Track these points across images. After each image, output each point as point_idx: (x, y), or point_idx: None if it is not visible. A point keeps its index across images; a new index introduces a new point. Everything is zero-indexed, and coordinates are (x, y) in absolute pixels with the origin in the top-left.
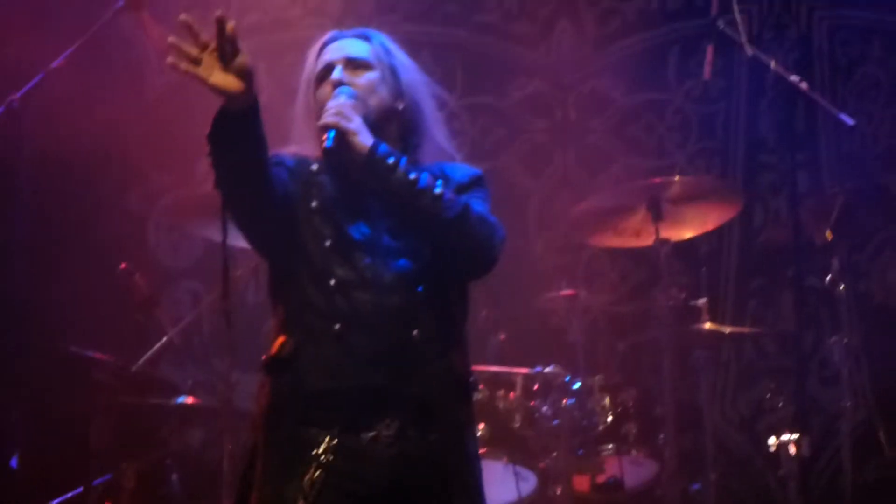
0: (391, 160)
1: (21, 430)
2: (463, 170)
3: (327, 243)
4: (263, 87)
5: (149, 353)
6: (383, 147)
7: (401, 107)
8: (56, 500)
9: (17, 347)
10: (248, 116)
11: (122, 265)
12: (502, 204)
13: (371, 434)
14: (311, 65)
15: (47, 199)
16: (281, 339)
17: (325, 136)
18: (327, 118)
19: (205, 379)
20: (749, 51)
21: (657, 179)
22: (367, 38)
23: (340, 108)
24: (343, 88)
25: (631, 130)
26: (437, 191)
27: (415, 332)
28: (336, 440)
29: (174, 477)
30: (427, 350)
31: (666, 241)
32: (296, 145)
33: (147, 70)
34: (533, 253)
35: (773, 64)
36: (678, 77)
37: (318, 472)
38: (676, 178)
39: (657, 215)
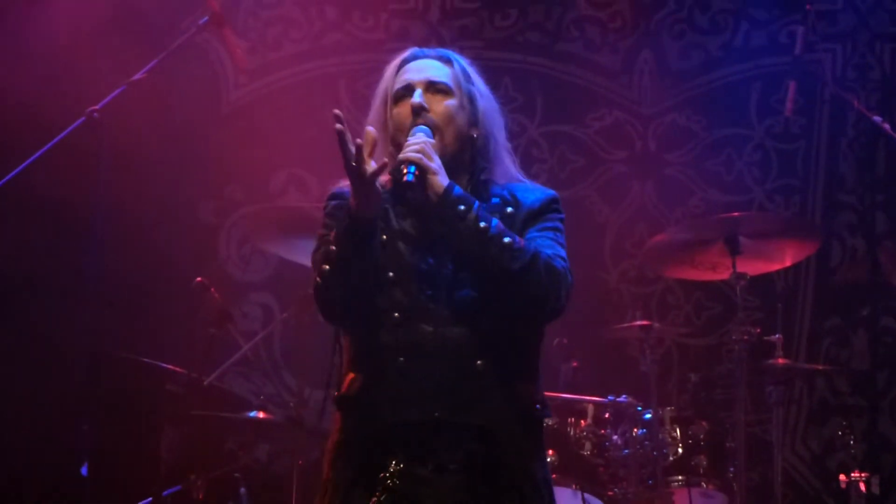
0: (462, 207)
1: (92, 438)
2: (535, 193)
3: (391, 275)
4: (342, 106)
5: (222, 367)
6: (458, 190)
7: (475, 135)
8: None
9: (91, 357)
10: (376, 225)
11: (198, 279)
12: (578, 233)
13: (436, 462)
14: (390, 81)
15: (123, 211)
16: (350, 377)
17: (405, 170)
18: (410, 154)
19: (275, 393)
20: (832, 89)
21: (735, 213)
22: (448, 61)
23: (423, 147)
24: (422, 128)
25: (710, 164)
26: (507, 240)
27: (478, 362)
28: (402, 465)
29: (242, 490)
30: (491, 380)
31: (742, 276)
32: None
33: (224, 85)
34: (608, 282)
35: (855, 103)
36: (759, 113)
37: (384, 496)
38: None
39: (734, 249)
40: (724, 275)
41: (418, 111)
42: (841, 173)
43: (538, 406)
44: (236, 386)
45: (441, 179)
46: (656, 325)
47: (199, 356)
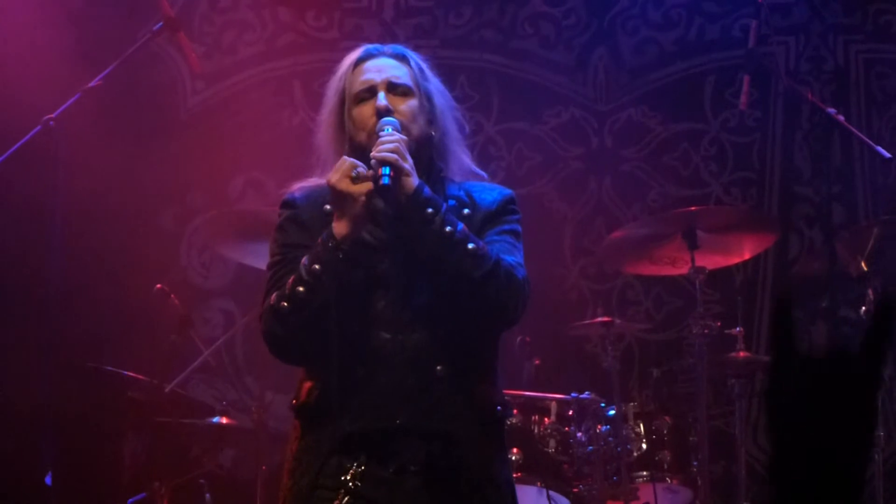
0: (430, 210)
1: (56, 447)
2: (492, 193)
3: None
4: (297, 108)
5: (184, 374)
6: (427, 191)
7: (433, 133)
8: None
9: (52, 366)
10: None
11: (158, 286)
12: (537, 231)
13: (398, 463)
14: (346, 80)
15: (81, 219)
16: (307, 385)
17: (380, 172)
18: (384, 154)
19: (238, 399)
20: (785, 82)
21: (693, 208)
22: (403, 59)
23: (398, 146)
24: (390, 120)
25: (667, 159)
26: (471, 246)
27: (438, 368)
28: (363, 467)
29: (207, 496)
30: (451, 385)
31: (701, 270)
32: (319, 165)
33: (181, 90)
34: (568, 280)
35: (809, 95)
36: (714, 107)
37: (346, 498)
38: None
39: (693, 244)
40: (683, 269)
41: (385, 114)
42: (797, 166)
43: (499, 407)
44: (199, 392)
45: (413, 180)
46: (617, 321)
47: (160, 363)
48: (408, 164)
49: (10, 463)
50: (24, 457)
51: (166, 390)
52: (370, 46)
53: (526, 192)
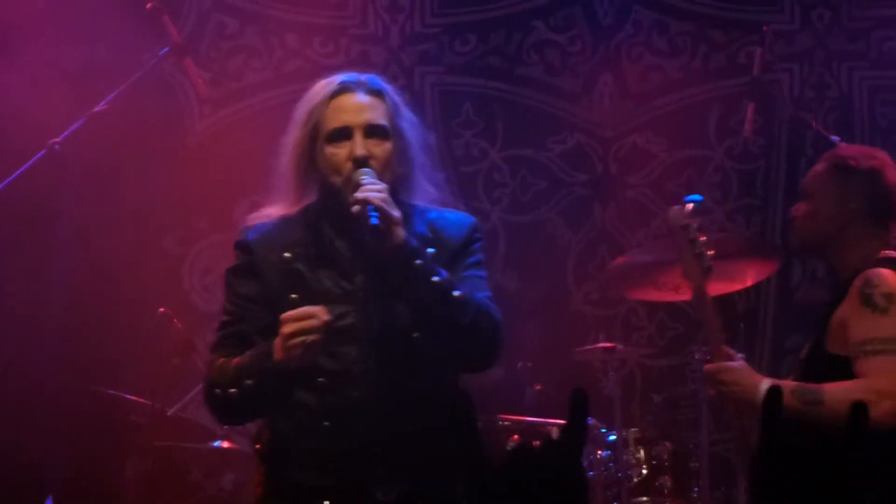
0: (419, 261)
1: (57, 471)
2: (456, 225)
3: None
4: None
5: (186, 398)
6: (413, 241)
7: (403, 171)
8: None
9: (54, 389)
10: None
11: (161, 309)
12: (541, 256)
13: (371, 500)
14: (320, 114)
15: (85, 242)
16: (271, 433)
17: (368, 213)
18: (373, 198)
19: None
20: (790, 110)
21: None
22: (380, 95)
23: (387, 196)
24: (368, 171)
25: (671, 186)
26: (456, 294)
27: (409, 426)
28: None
29: None
30: (422, 442)
31: None
32: (281, 193)
33: (187, 115)
34: (571, 305)
35: (813, 123)
36: (719, 134)
37: None
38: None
39: None
40: (686, 295)
41: (362, 163)
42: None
43: (466, 440)
44: (200, 416)
45: (401, 230)
46: (619, 346)
47: (162, 387)
48: (396, 213)
49: (11, 486)
50: (25, 480)
51: (168, 414)
52: (346, 78)
53: (530, 218)
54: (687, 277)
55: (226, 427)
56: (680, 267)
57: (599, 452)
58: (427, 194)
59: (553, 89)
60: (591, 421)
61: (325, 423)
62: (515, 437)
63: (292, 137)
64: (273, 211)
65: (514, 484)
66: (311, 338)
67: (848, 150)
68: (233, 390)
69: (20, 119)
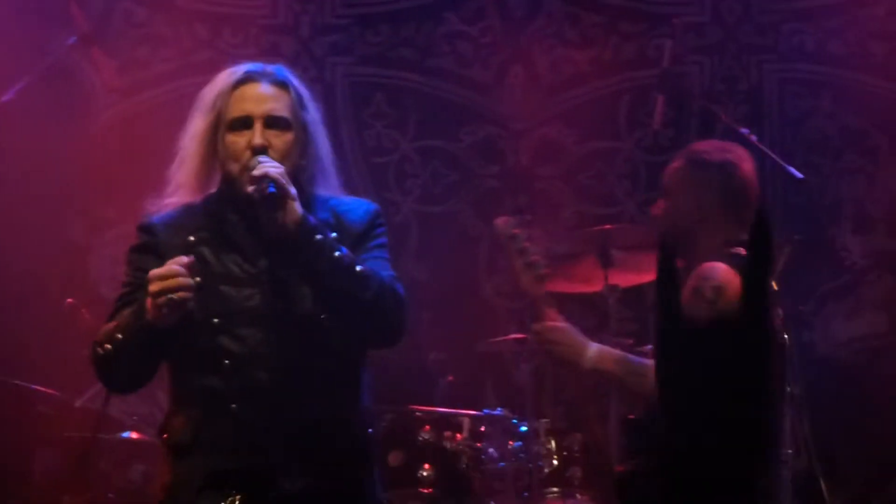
0: (319, 236)
1: None
2: (358, 211)
3: (216, 321)
4: None
5: (94, 389)
6: (312, 219)
7: (304, 162)
8: None
9: None
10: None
11: (69, 300)
12: (453, 248)
13: (273, 498)
14: (223, 101)
15: None
16: (179, 420)
17: (265, 185)
18: (271, 171)
19: (149, 413)
20: (699, 102)
21: (607, 226)
22: (284, 87)
23: (283, 172)
24: (265, 158)
25: (581, 178)
26: (359, 269)
27: (314, 408)
28: (242, 494)
29: None
30: (327, 422)
31: (614, 288)
32: (182, 181)
33: (94, 104)
34: (482, 297)
35: (722, 115)
36: (629, 126)
37: None
38: None
39: (606, 262)
40: (596, 287)
41: (260, 152)
42: None
43: (370, 430)
44: (109, 407)
45: (298, 207)
46: (531, 338)
47: (71, 378)
48: (293, 190)
49: None
50: None
51: (76, 405)
52: (251, 68)
53: (442, 209)
54: (524, 287)
55: (135, 418)
56: (517, 277)
57: (511, 443)
58: (330, 186)
59: (464, 80)
60: (502, 412)
61: (233, 406)
62: (427, 427)
63: (195, 126)
64: (176, 199)
65: None
66: (176, 295)
67: (703, 145)
68: (107, 346)
69: None
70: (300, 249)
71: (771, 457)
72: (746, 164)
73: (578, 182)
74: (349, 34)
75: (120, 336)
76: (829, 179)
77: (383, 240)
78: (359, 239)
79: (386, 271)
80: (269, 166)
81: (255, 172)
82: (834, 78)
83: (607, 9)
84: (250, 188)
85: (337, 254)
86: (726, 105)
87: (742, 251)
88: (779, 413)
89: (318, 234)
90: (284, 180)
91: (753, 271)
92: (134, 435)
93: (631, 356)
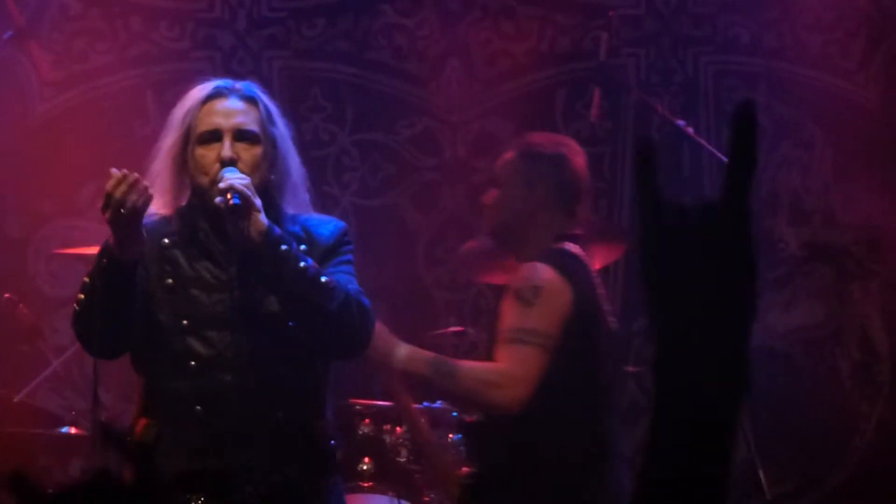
0: (284, 247)
1: None
2: (327, 227)
3: (185, 322)
4: (149, 118)
5: (32, 384)
6: (277, 230)
7: (273, 177)
8: None
9: None
10: (136, 267)
11: (6, 294)
12: (392, 241)
13: (240, 496)
14: (193, 116)
15: None
16: (143, 422)
17: (230, 196)
18: (236, 183)
19: (88, 409)
20: (635, 94)
21: None
22: (253, 102)
23: (249, 184)
24: (232, 170)
25: None
26: (324, 279)
27: (279, 413)
28: (205, 497)
29: None
30: (290, 429)
31: None
32: (154, 196)
33: (30, 97)
34: (422, 290)
35: (659, 107)
36: (565, 118)
37: None
38: None
39: None
40: None
41: (229, 164)
42: None
43: (332, 441)
44: (48, 402)
45: (263, 218)
46: (470, 330)
47: (9, 373)
48: (258, 201)
49: None
50: None
51: (15, 400)
52: (221, 84)
53: (380, 202)
54: None
55: (73, 413)
56: None
57: (451, 436)
58: (300, 203)
59: (401, 73)
60: (442, 404)
61: (198, 408)
62: (367, 420)
63: (167, 141)
64: (150, 210)
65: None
66: (134, 194)
67: (536, 137)
68: (80, 295)
69: None
70: (265, 260)
71: (605, 456)
72: (578, 157)
73: None
74: (285, 27)
75: (87, 280)
76: (764, 171)
77: (349, 256)
78: (326, 253)
79: (352, 285)
80: (235, 178)
81: (221, 185)
82: (769, 70)
83: (543, 1)
84: (217, 199)
85: (302, 264)
86: (662, 97)
87: (572, 247)
88: (612, 411)
89: (283, 244)
90: (250, 192)
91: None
92: (73, 430)
93: (443, 358)
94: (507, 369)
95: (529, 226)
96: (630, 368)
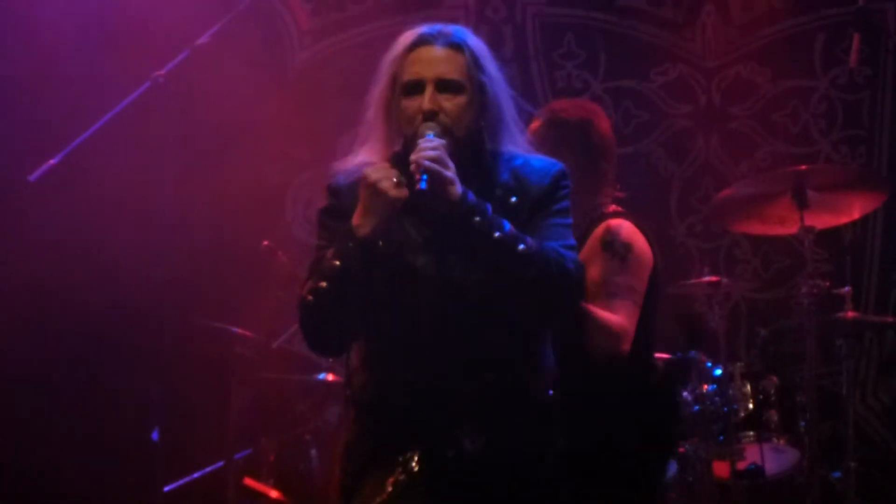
0: (477, 218)
1: (162, 403)
2: (540, 172)
3: (395, 277)
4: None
5: (290, 330)
6: (471, 197)
7: (483, 123)
8: (197, 473)
9: (159, 322)
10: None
11: (265, 242)
12: (644, 189)
13: (454, 450)
14: (398, 65)
15: (189, 175)
16: (363, 379)
17: (418, 177)
18: (425, 162)
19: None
20: (895, 39)
21: (803, 166)
22: (458, 48)
23: (440, 154)
24: (431, 126)
25: (775, 117)
26: (521, 248)
27: (490, 374)
28: (421, 451)
29: (313, 452)
30: (502, 388)
31: (810, 229)
32: (366, 141)
33: (288, 46)
34: (675, 238)
35: None
36: (824, 64)
37: (402, 476)
38: None
39: (802, 203)
40: (791, 229)
41: (429, 117)
42: None
43: (550, 391)
44: (305, 348)
45: (457, 188)
46: (724, 280)
47: (267, 319)
48: (450, 173)
49: (119, 420)
50: (131, 414)
51: (273, 346)
52: (426, 31)
53: (633, 150)
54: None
55: (331, 360)
56: None
57: (705, 387)
58: (516, 144)
59: (655, 19)
60: (695, 354)
61: (411, 369)
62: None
63: (377, 89)
64: (362, 158)
65: None
66: (394, 189)
67: (560, 104)
68: (322, 283)
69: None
70: (459, 230)
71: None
72: (603, 121)
73: (772, 121)
74: None
75: (337, 263)
76: None
77: (564, 204)
78: (538, 204)
79: (562, 240)
80: (428, 150)
81: (412, 164)
82: None
83: None
84: (412, 167)
85: (497, 234)
86: None
87: (617, 208)
88: None
89: (475, 216)
90: (440, 164)
91: None
92: (330, 377)
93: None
94: (623, 323)
95: None
96: (889, 319)
